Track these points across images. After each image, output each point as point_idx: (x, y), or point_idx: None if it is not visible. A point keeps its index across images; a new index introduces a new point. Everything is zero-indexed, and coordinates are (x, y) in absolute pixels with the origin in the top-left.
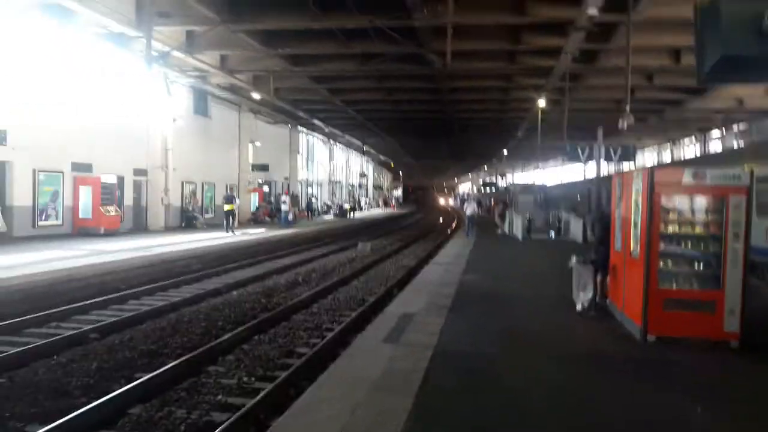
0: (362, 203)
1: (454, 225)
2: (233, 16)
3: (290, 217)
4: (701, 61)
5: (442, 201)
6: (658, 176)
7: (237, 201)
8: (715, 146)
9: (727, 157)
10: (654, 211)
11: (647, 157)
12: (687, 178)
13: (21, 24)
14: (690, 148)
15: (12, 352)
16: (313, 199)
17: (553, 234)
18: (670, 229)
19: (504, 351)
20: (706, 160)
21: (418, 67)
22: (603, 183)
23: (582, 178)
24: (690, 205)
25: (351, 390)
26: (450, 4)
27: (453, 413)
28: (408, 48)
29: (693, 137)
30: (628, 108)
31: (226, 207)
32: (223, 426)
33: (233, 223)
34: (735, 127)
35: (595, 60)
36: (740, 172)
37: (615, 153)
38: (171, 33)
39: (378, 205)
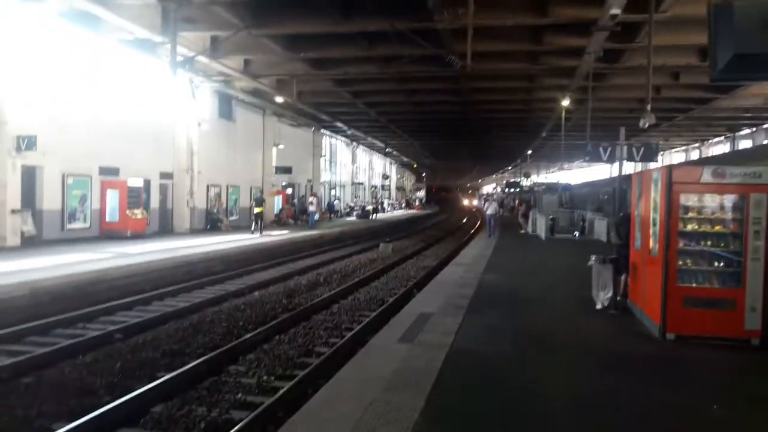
0: (385, 204)
1: (477, 226)
2: (256, 22)
3: (316, 217)
4: (714, 60)
5: (466, 202)
6: (677, 175)
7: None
8: (745, 145)
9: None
10: (672, 210)
11: (675, 157)
12: (706, 176)
13: (49, 30)
14: (719, 147)
15: (40, 352)
16: (336, 201)
17: (577, 233)
18: (690, 227)
19: (521, 351)
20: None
21: (441, 69)
22: (628, 183)
23: (608, 177)
24: (709, 203)
25: (364, 388)
26: (471, 6)
27: (465, 413)
28: (429, 50)
29: (722, 137)
30: (648, 107)
31: (256, 209)
32: (241, 424)
33: (261, 224)
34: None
35: (619, 59)
36: (762, 170)
37: (637, 153)
38: (195, 38)
39: (401, 207)
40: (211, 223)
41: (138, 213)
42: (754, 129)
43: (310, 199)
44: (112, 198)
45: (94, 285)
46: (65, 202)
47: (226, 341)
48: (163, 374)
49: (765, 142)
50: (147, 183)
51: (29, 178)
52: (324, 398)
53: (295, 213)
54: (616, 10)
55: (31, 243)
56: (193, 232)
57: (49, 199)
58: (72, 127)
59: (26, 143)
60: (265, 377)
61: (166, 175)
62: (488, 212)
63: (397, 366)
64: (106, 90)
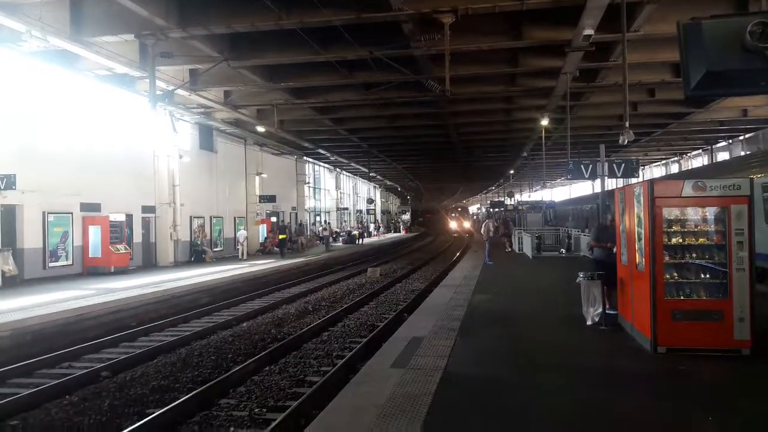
0: (371, 228)
1: (464, 247)
2: (235, 54)
3: (331, 241)
4: (687, 77)
5: (454, 225)
6: (658, 189)
7: (288, 230)
8: (723, 157)
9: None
10: (656, 224)
11: (655, 172)
12: (687, 189)
13: (27, 68)
14: (697, 160)
15: (25, 393)
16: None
17: (563, 251)
18: (674, 240)
19: (514, 371)
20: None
21: (421, 94)
22: (611, 199)
23: (590, 194)
24: (692, 216)
25: (359, 417)
26: (446, 32)
27: None
28: (409, 76)
29: (700, 149)
30: (627, 124)
31: (280, 236)
32: None
33: (285, 249)
34: (741, 137)
35: (595, 78)
36: (740, 182)
37: (618, 169)
38: (174, 72)
39: (387, 230)
40: (196, 255)
41: (121, 248)
42: (731, 141)
43: (324, 225)
44: (94, 234)
45: (79, 323)
46: (46, 240)
47: (216, 374)
48: (153, 411)
49: (742, 153)
50: (129, 218)
51: (9, 216)
52: (318, 428)
53: (281, 241)
54: (589, 31)
55: (12, 283)
56: (178, 264)
57: (30, 237)
58: (52, 164)
59: (5, 182)
60: (256, 409)
61: (148, 209)
62: (483, 233)
63: (392, 392)
64: (85, 126)
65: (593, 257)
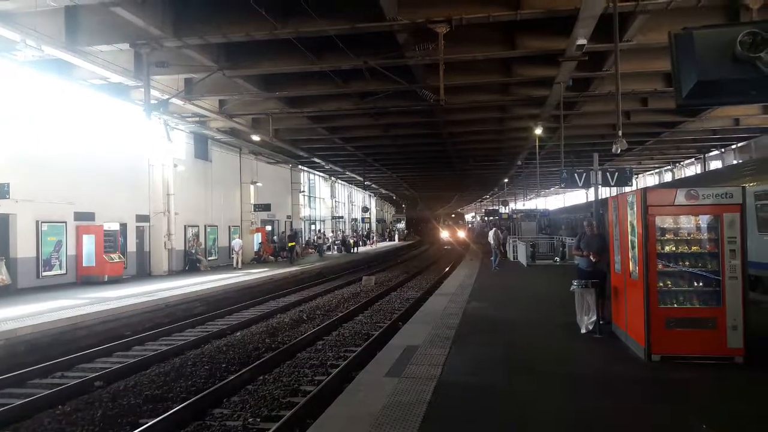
0: (365, 237)
1: (459, 256)
2: (230, 63)
3: (325, 248)
4: (679, 87)
5: (446, 234)
6: (651, 198)
7: (298, 237)
8: (715, 165)
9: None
10: (649, 232)
11: (649, 180)
12: (680, 198)
13: (22, 77)
14: (690, 169)
15: (17, 403)
16: (321, 235)
17: (558, 259)
18: (667, 248)
19: (509, 379)
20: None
21: (415, 103)
22: (605, 207)
23: (584, 201)
24: (685, 225)
25: (353, 426)
26: (441, 41)
27: None
28: (403, 85)
29: (693, 158)
30: (620, 132)
31: (290, 243)
32: None
33: (293, 256)
34: (734, 146)
35: (588, 87)
36: (733, 190)
37: (612, 177)
38: (169, 81)
39: (383, 238)
40: (190, 264)
41: (115, 257)
42: (723, 150)
43: (319, 234)
44: (88, 243)
45: (72, 332)
46: (40, 249)
47: (210, 384)
48: (147, 421)
49: (734, 162)
50: (123, 226)
51: (2, 225)
52: None
53: (276, 250)
54: (582, 41)
55: (5, 292)
56: (172, 273)
57: (24, 246)
58: (46, 172)
59: None
60: (250, 419)
61: (142, 218)
62: (492, 241)
63: (386, 401)
64: (80, 135)
65: (577, 265)
